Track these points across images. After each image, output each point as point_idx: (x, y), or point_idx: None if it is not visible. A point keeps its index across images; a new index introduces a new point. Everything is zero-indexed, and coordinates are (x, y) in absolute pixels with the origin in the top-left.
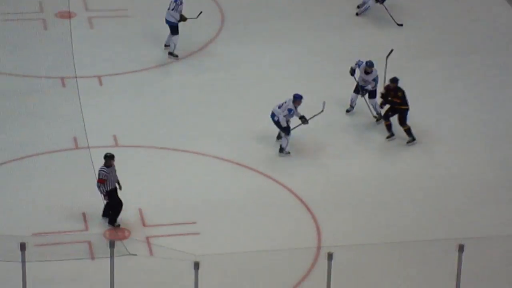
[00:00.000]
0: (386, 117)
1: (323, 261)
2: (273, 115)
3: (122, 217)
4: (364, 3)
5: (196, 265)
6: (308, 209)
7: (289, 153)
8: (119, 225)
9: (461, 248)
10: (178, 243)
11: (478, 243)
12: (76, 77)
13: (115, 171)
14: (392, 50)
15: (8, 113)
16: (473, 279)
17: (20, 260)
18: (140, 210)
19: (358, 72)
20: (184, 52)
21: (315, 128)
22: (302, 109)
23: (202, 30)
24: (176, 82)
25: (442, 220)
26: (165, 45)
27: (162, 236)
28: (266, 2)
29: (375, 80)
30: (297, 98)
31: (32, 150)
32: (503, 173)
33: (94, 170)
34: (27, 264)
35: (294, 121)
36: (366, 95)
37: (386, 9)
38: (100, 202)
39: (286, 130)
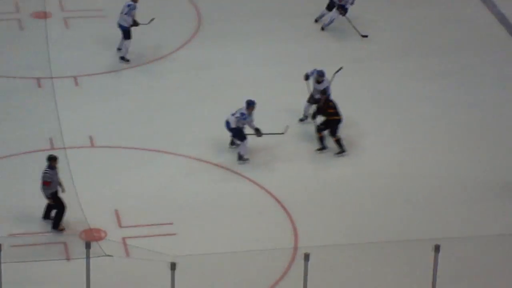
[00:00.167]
0: (319, 129)
1: (299, 261)
2: (227, 124)
3: (98, 217)
4: (322, 15)
5: (173, 266)
6: (285, 209)
7: (248, 159)
8: (63, 229)
9: (437, 249)
10: (155, 244)
11: (453, 243)
12: (52, 77)
13: (58, 173)
14: (341, 68)
15: None
16: (449, 279)
17: None
18: (116, 211)
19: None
20: (161, 52)
21: (291, 130)
22: (281, 107)
23: (179, 30)
24: (153, 83)
25: (418, 221)
26: (118, 49)
27: (139, 237)
28: (242, 3)
29: (328, 88)
30: (251, 104)
31: (8, 150)
32: (477, 173)
33: (70, 171)
34: (2, 265)
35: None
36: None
37: (349, 21)
38: (76, 203)
39: (241, 137)
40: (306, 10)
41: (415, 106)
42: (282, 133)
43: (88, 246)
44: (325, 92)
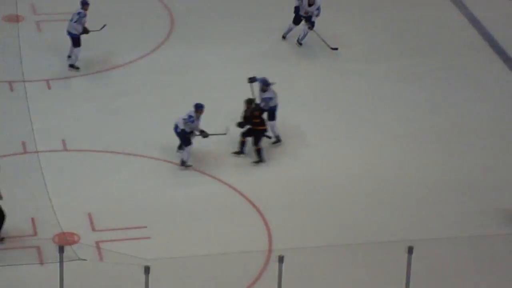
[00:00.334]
0: (243, 134)
1: (274, 264)
2: (176, 127)
3: (71, 221)
4: (289, 30)
5: (147, 270)
6: (259, 212)
7: (191, 165)
8: (3, 239)
9: (410, 250)
10: (129, 247)
11: (426, 244)
12: (24, 81)
13: None
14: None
15: None
16: (422, 280)
17: None
18: (89, 215)
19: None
20: (134, 54)
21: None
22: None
23: (153, 33)
24: (126, 86)
25: (392, 222)
26: (68, 56)
27: (112, 240)
28: (216, 4)
29: (269, 99)
30: (199, 108)
31: None
32: (450, 174)
33: (43, 175)
34: None
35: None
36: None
37: (317, 34)
38: (49, 207)
39: (186, 142)
40: (280, 13)
41: (389, 108)
42: (225, 134)
43: (61, 250)
44: (250, 101)
